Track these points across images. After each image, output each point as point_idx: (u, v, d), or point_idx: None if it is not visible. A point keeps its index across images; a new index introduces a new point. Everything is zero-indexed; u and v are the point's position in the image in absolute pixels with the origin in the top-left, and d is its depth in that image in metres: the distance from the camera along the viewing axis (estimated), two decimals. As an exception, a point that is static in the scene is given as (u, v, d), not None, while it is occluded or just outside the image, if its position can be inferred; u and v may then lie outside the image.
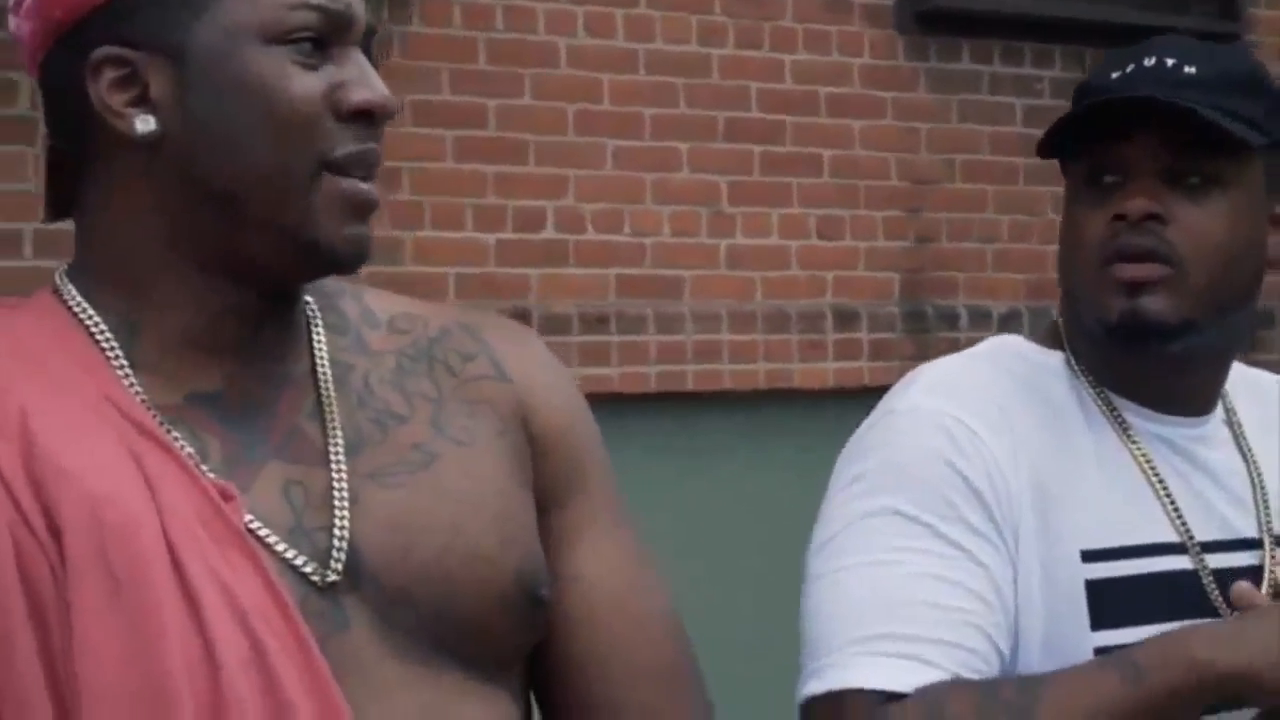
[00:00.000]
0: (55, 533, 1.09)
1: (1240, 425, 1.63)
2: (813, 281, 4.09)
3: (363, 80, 1.19)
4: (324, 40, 1.18)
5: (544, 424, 1.28)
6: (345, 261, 1.20)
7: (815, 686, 1.47)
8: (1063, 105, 4.99)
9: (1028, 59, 4.38)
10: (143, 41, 1.17)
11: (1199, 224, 1.51)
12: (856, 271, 4.15)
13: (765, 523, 3.75)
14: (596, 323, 3.83)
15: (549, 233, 3.83)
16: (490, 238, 3.77)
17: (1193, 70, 1.52)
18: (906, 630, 1.45)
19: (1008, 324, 4.22)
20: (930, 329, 4.19)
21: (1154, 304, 1.50)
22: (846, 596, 1.48)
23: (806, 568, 1.54)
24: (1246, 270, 1.55)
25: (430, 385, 1.26)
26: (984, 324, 4.21)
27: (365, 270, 4.01)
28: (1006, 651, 1.48)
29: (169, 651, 1.08)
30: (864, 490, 1.51)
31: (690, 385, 3.92)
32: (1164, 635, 1.44)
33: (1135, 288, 1.49)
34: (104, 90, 1.17)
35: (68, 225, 1.25)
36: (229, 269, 1.19)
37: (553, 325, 3.76)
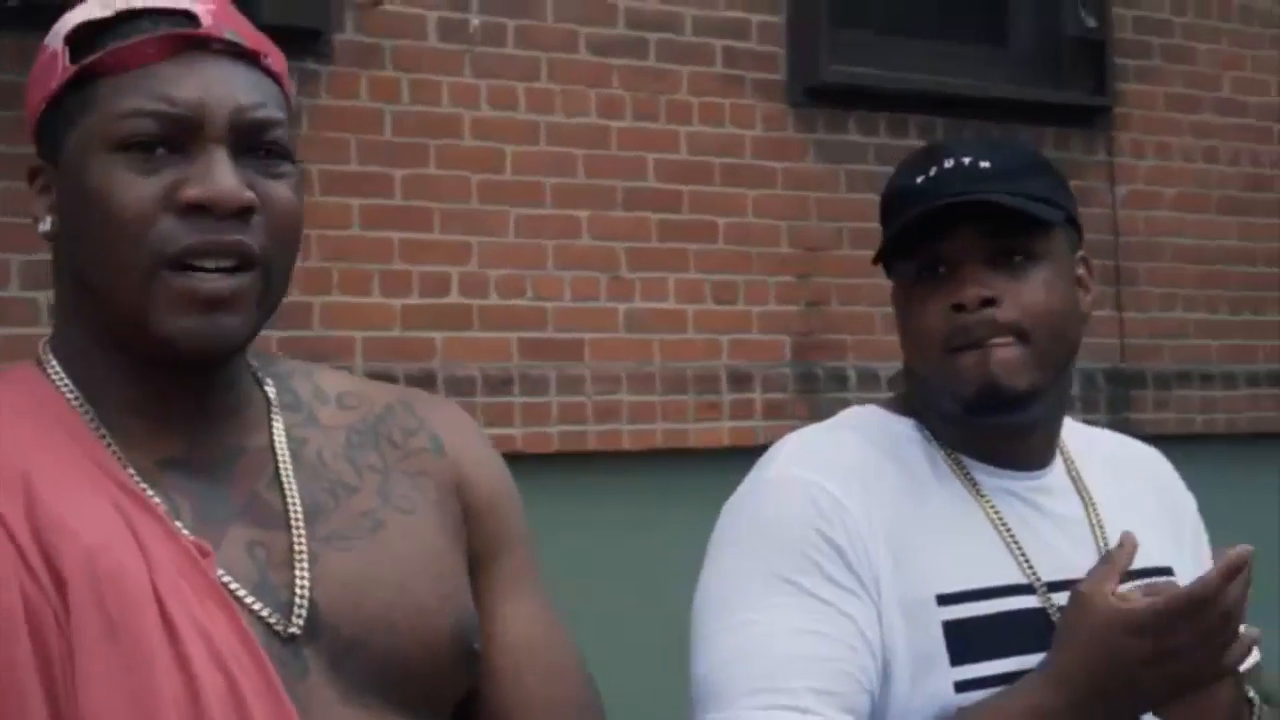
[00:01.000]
0: (59, 583, 1.21)
1: (1080, 474, 1.78)
2: (708, 344, 4.18)
3: (202, 175, 1.25)
4: (170, 141, 1.26)
5: (476, 495, 1.43)
6: (185, 353, 1.28)
7: None
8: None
9: (911, 130, 4.50)
10: (45, 152, 1.33)
11: (1026, 295, 1.66)
12: (750, 334, 4.24)
13: (663, 578, 3.85)
14: (500, 384, 3.91)
15: (454, 297, 3.91)
16: (396, 303, 3.85)
17: (988, 164, 1.68)
18: (788, 684, 1.59)
19: (895, 384, 4.36)
20: (821, 389, 4.30)
21: (1003, 374, 1.65)
22: (730, 654, 1.62)
23: (691, 626, 1.67)
24: (1071, 326, 1.72)
25: (377, 458, 1.40)
26: (872, 384, 4.34)
27: (276, 335, 4.13)
28: (875, 691, 1.63)
29: (160, 687, 1.20)
30: (739, 554, 1.65)
31: (591, 445, 4.00)
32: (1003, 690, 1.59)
33: (984, 366, 1.64)
34: (34, 196, 1.33)
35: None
36: (129, 351, 1.31)
37: (457, 387, 3.85)
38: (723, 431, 4.16)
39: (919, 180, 1.70)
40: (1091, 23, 4.74)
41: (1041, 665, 1.62)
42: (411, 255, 3.87)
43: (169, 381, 1.32)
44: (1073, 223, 1.75)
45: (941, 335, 1.67)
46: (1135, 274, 4.83)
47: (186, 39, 1.28)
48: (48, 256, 1.39)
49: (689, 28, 4.24)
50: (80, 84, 1.29)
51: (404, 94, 3.89)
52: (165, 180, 1.26)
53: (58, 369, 1.34)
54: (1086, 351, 4.78)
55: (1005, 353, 1.65)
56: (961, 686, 1.63)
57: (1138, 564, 1.72)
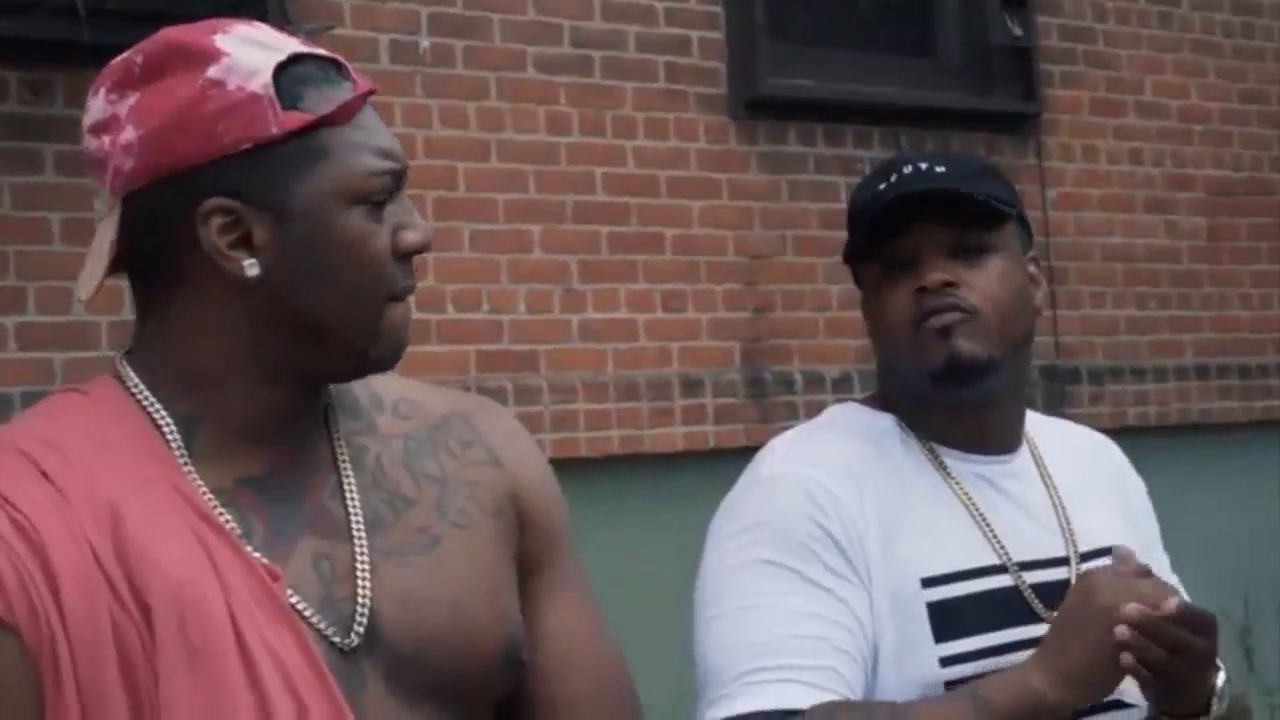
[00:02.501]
0: (144, 609, 1.29)
1: (1043, 461, 1.92)
2: (660, 352, 4.27)
3: (414, 223, 1.40)
4: (390, 193, 1.39)
5: (530, 505, 1.50)
6: (392, 366, 1.43)
7: (719, 712, 1.72)
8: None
9: (849, 140, 4.62)
10: (247, 195, 1.34)
11: (982, 282, 1.82)
12: (700, 342, 4.34)
13: (623, 577, 3.95)
14: (459, 396, 3.99)
15: (412, 313, 3.98)
16: (356, 319, 3.92)
17: (943, 169, 1.84)
18: (788, 661, 1.72)
19: (840, 386, 4.47)
20: (769, 393, 4.40)
21: (965, 344, 1.80)
22: (732, 636, 1.74)
23: (695, 614, 1.80)
24: (1024, 314, 1.87)
25: (435, 466, 1.47)
26: (818, 387, 4.45)
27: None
28: (868, 671, 1.75)
29: (236, 706, 1.29)
30: (738, 546, 1.78)
31: (549, 453, 4.07)
32: (1007, 671, 1.72)
33: (946, 331, 1.79)
34: (213, 234, 1.35)
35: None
36: (293, 378, 1.39)
37: (418, 400, 3.93)
38: (676, 436, 4.26)
39: (880, 187, 1.85)
40: (1017, 31, 4.89)
41: (1043, 659, 1.71)
42: (370, 273, 3.93)
43: (297, 398, 1.40)
44: (1023, 223, 1.90)
45: (908, 316, 1.80)
46: (1067, 273, 4.99)
47: (370, 92, 1.40)
48: (115, 282, 1.41)
49: (632, 45, 4.34)
50: (301, 132, 1.34)
51: (358, 115, 3.96)
52: (388, 227, 1.37)
53: (142, 388, 1.39)
54: (1023, 350, 4.93)
55: (966, 327, 1.80)
56: (946, 661, 1.76)
57: (1094, 544, 1.86)
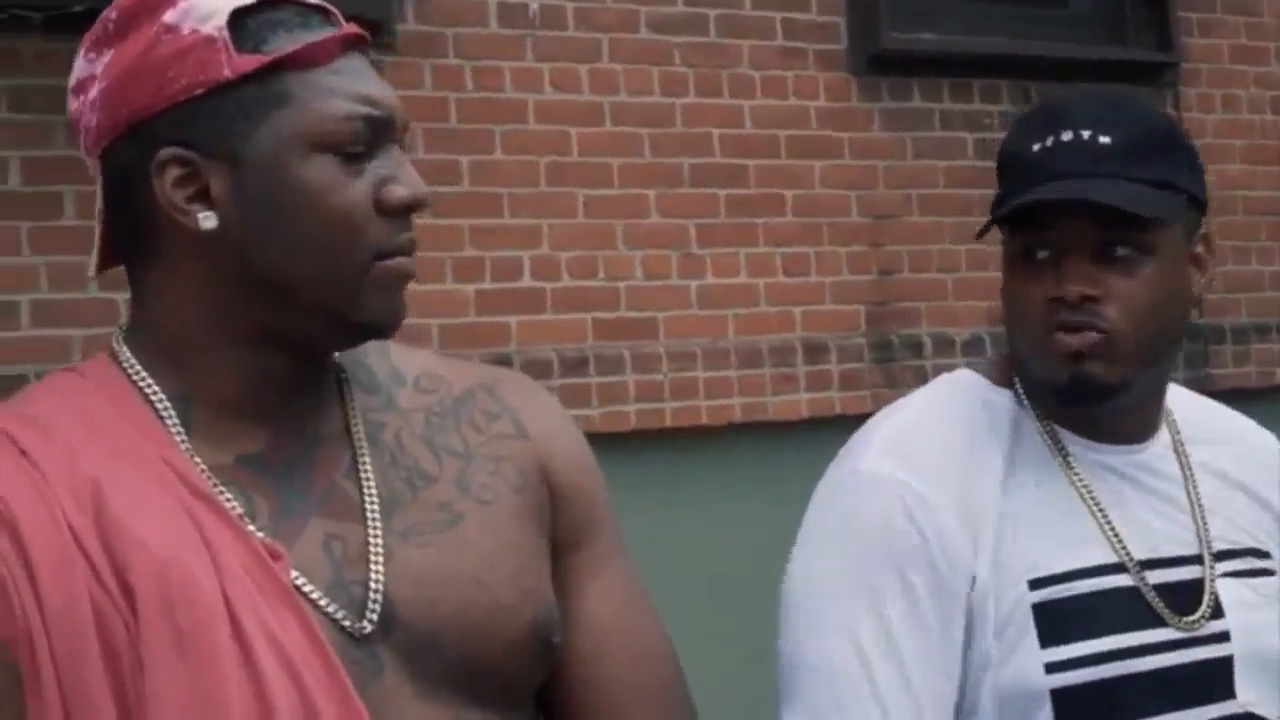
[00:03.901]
0: (127, 592, 1.21)
1: (1185, 448, 1.75)
2: (782, 317, 4.19)
3: (403, 177, 1.29)
4: (370, 143, 1.28)
5: (562, 478, 1.41)
6: (386, 332, 1.32)
7: None
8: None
9: (976, 95, 4.49)
10: (203, 145, 1.26)
11: (1130, 294, 1.62)
12: (823, 305, 4.24)
13: (746, 550, 3.86)
14: (576, 365, 3.93)
15: (526, 281, 3.93)
16: (470, 288, 3.87)
17: (1108, 140, 1.63)
18: (849, 696, 1.58)
19: (970, 349, 4.34)
20: (896, 358, 4.29)
21: (1095, 368, 1.62)
22: (800, 658, 1.61)
23: (778, 621, 1.66)
24: (1174, 321, 1.67)
25: (459, 440, 1.38)
26: (948, 350, 4.32)
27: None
28: (950, 700, 1.60)
29: (228, 696, 1.20)
30: (828, 553, 1.64)
31: (669, 422, 4.02)
32: None
33: (1076, 356, 1.62)
34: (168, 186, 1.27)
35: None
36: (273, 343, 1.30)
37: (533, 369, 3.86)
38: (800, 403, 4.16)
39: (1035, 148, 1.65)
40: (1152, -24, 4.71)
41: None
42: (482, 241, 3.89)
43: (290, 369, 1.31)
44: (1196, 201, 1.68)
45: (1040, 322, 1.64)
46: (1208, 229, 4.79)
47: (355, 38, 1.31)
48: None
49: (748, 1, 4.23)
50: (259, 76, 1.26)
51: (467, 81, 3.90)
52: (370, 180, 1.28)
53: (136, 365, 1.32)
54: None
55: (1099, 348, 1.62)
56: (1052, 668, 1.61)
57: (1231, 544, 1.71)
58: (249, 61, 1.26)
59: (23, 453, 1.25)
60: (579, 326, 3.96)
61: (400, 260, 1.30)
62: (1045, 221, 1.63)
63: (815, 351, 4.21)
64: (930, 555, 1.61)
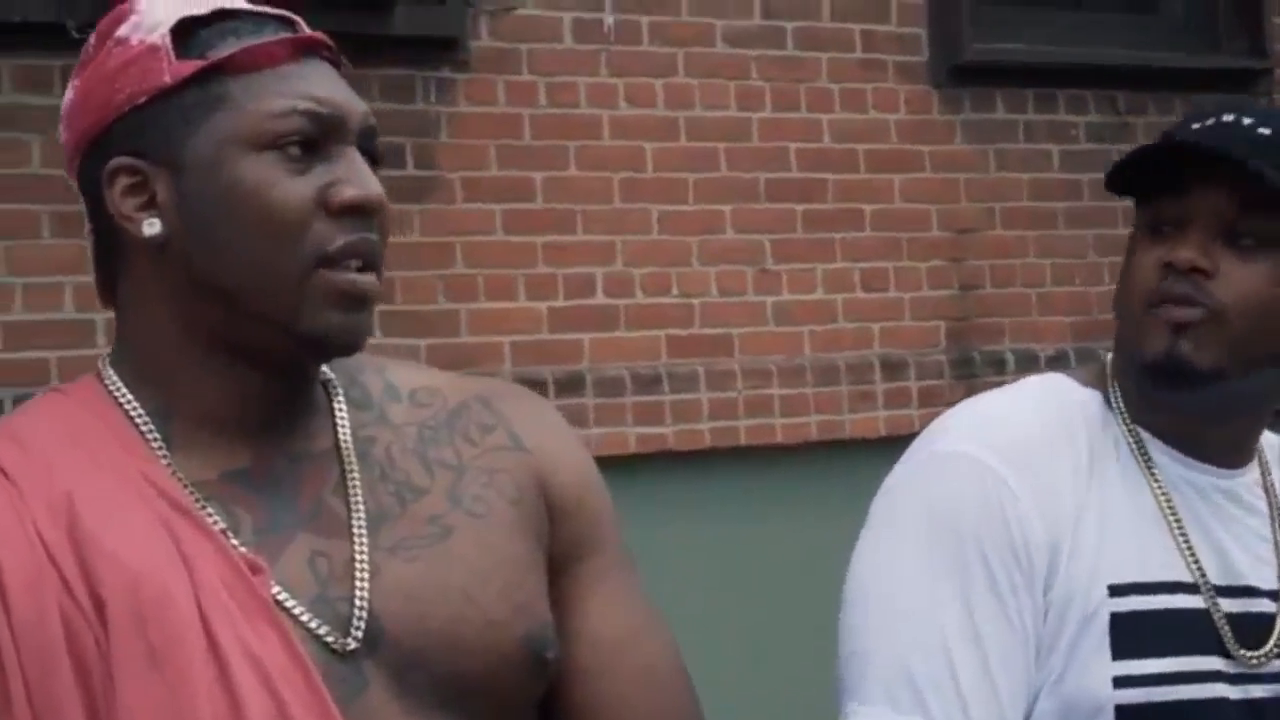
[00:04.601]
0: (99, 606, 1.20)
1: (1275, 488, 1.68)
2: (859, 333, 4.14)
3: (352, 177, 1.27)
4: (316, 142, 1.27)
5: (561, 492, 1.38)
6: (335, 351, 1.29)
7: None
8: (1099, 149, 5.03)
9: (1061, 105, 4.41)
10: (149, 152, 1.27)
11: (1244, 281, 1.57)
12: (903, 321, 4.19)
13: (822, 571, 3.83)
14: (650, 383, 3.91)
15: (599, 298, 3.91)
16: (543, 306, 3.86)
17: (1267, 131, 1.57)
18: (930, 690, 1.52)
19: (1054, 365, 4.25)
20: (978, 374, 4.23)
21: (1189, 348, 1.56)
22: (875, 645, 1.55)
23: (843, 594, 1.60)
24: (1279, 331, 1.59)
25: (452, 453, 1.35)
26: (1031, 367, 4.24)
27: (424, 343, 4.15)
28: (1026, 700, 1.55)
29: (200, 711, 1.18)
30: (903, 535, 1.57)
31: (743, 440, 3.99)
32: None
33: (1177, 329, 1.56)
34: (117, 196, 1.28)
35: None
36: (238, 356, 1.29)
37: (607, 388, 3.85)
38: (878, 421, 4.12)
39: (1195, 126, 1.61)
40: (1245, -18, 4.61)
41: None
42: (555, 258, 3.88)
43: (266, 385, 1.30)
44: None
45: (1146, 291, 1.59)
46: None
47: (309, 43, 1.30)
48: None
49: (826, 13, 4.19)
50: (200, 81, 1.27)
51: (541, 97, 3.90)
52: (317, 180, 1.27)
53: (119, 384, 1.32)
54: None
55: (1200, 328, 1.56)
56: (1120, 682, 1.55)
57: None
58: (188, 66, 1.27)
59: (1, 470, 1.25)
60: (653, 344, 3.94)
61: (350, 277, 1.27)
62: (1179, 192, 1.58)
63: (894, 368, 4.17)
64: (1012, 541, 1.55)
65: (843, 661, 1.59)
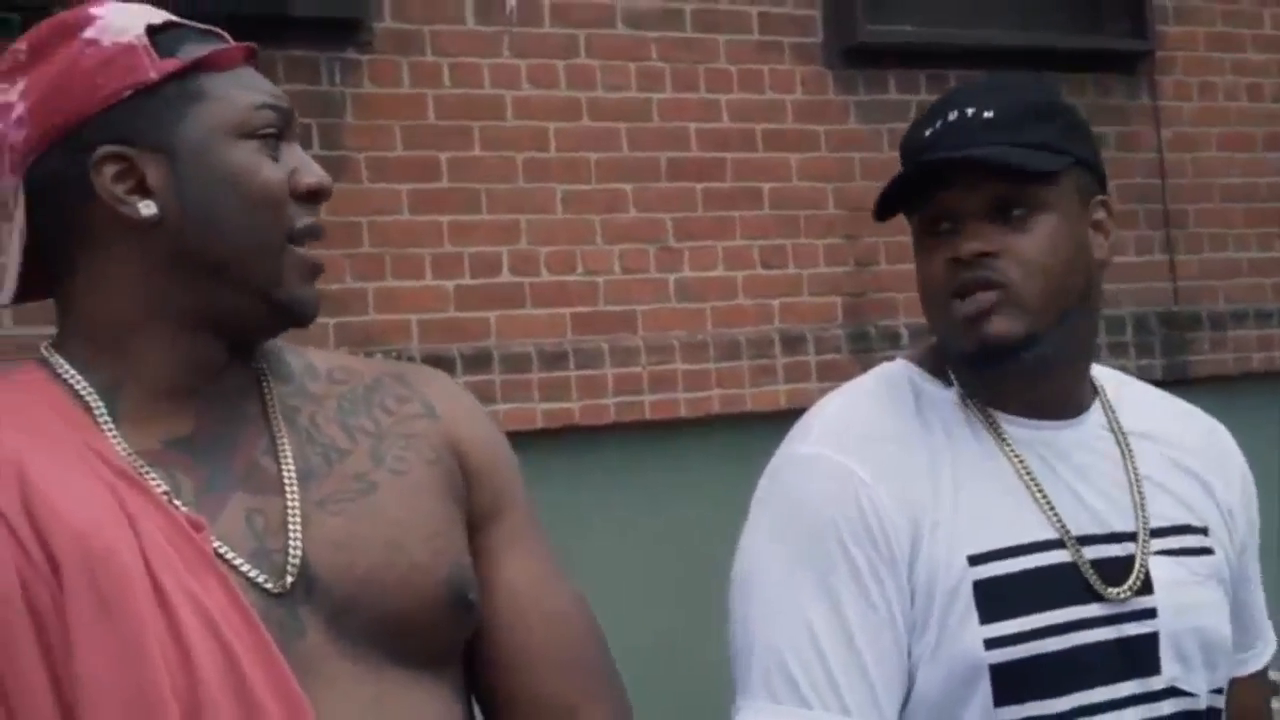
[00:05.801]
0: (53, 564, 1.28)
1: (1122, 428, 1.77)
2: (760, 309, 4.22)
3: (309, 167, 1.43)
4: (279, 135, 1.42)
5: (472, 457, 1.50)
6: (304, 316, 1.43)
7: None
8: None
9: (952, 85, 4.52)
10: (137, 140, 1.38)
11: (1027, 250, 1.66)
12: (801, 298, 4.27)
13: (723, 542, 3.90)
14: (555, 360, 3.96)
15: (505, 276, 3.96)
16: (449, 284, 3.90)
17: (990, 114, 1.68)
18: (803, 678, 1.62)
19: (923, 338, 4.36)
20: (874, 348, 4.31)
21: (996, 326, 1.66)
22: (753, 641, 1.65)
23: (730, 588, 1.70)
24: (1075, 277, 1.71)
25: (370, 422, 1.47)
26: (925, 340, 4.35)
27: (332, 321, 4.16)
28: (900, 686, 1.64)
29: (152, 658, 1.27)
30: (772, 535, 1.67)
31: (648, 414, 4.05)
32: None
33: (977, 319, 1.66)
34: (108, 182, 1.38)
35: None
36: (207, 326, 1.40)
37: (513, 364, 3.90)
38: (779, 394, 4.19)
39: (926, 134, 1.72)
40: (1128, -34, 4.73)
41: None
42: (461, 237, 3.92)
43: (222, 354, 1.41)
44: (1088, 166, 1.74)
45: (944, 289, 1.69)
46: (1185, 216, 4.82)
47: (251, 51, 1.46)
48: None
49: (724, -4, 4.26)
50: (179, 77, 1.40)
51: (445, 78, 3.93)
52: (286, 167, 1.41)
53: (64, 366, 1.41)
54: (1138, 296, 4.78)
55: (996, 309, 1.66)
56: (991, 644, 1.64)
57: (1167, 521, 1.74)
58: (171, 63, 1.40)
59: None
60: (558, 321, 3.99)
61: (312, 253, 1.42)
62: (939, 195, 1.68)
63: (793, 343, 4.24)
64: (871, 533, 1.64)
65: (730, 659, 1.70)
